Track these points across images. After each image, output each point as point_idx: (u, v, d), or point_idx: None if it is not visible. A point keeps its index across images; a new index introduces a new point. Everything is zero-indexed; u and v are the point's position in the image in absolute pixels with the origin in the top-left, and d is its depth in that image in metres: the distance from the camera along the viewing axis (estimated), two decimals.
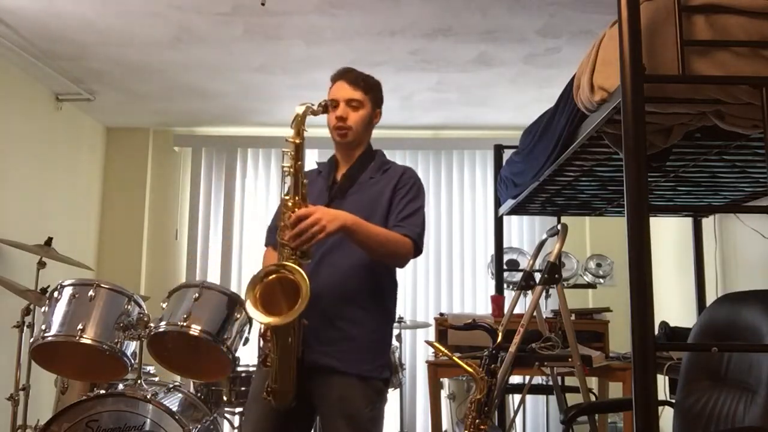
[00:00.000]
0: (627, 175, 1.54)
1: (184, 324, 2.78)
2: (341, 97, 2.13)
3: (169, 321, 2.84)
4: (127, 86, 4.26)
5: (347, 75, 2.16)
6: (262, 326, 1.90)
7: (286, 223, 1.86)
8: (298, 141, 1.93)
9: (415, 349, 4.93)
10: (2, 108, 3.84)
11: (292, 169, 1.92)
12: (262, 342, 1.95)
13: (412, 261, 5.19)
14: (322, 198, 2.09)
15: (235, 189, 5.11)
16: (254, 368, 3.09)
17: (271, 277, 1.83)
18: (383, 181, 2.13)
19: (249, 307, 1.78)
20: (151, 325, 2.90)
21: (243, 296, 1.86)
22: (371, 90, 2.18)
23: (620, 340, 2.99)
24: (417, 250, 2.07)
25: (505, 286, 4.11)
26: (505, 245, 4.17)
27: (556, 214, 3.89)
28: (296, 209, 1.87)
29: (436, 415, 3.32)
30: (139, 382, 2.92)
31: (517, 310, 3.07)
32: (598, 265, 4.23)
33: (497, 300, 3.74)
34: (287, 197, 1.92)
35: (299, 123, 1.94)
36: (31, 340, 2.94)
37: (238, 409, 3.32)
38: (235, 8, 3.15)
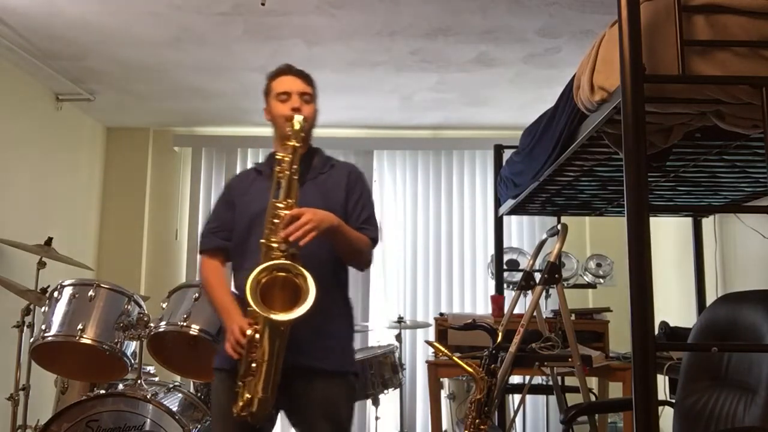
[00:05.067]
0: (627, 175, 1.54)
1: (184, 324, 2.79)
2: (295, 90, 2.13)
3: (169, 321, 2.85)
4: (127, 86, 4.26)
5: (294, 70, 2.19)
6: (249, 331, 1.87)
7: (277, 225, 1.90)
8: (298, 144, 1.99)
9: (415, 349, 4.93)
10: (2, 108, 3.84)
11: (287, 173, 1.96)
12: (243, 351, 1.89)
13: (411, 261, 5.20)
14: (267, 198, 2.04)
15: None
16: None
17: (276, 274, 1.85)
18: (333, 176, 2.18)
19: (253, 303, 1.79)
20: (151, 325, 2.90)
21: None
22: (315, 87, 2.22)
23: (620, 340, 2.99)
24: (374, 246, 2.18)
25: (505, 286, 4.11)
26: (505, 245, 4.17)
27: (556, 214, 3.89)
28: (287, 212, 1.91)
29: (436, 415, 3.32)
30: (139, 382, 2.92)
31: (517, 310, 3.07)
32: (598, 265, 4.23)
33: (497, 300, 3.74)
34: (276, 200, 1.95)
35: (298, 132, 2.00)
36: (31, 340, 2.94)
37: None
38: (235, 8, 3.15)
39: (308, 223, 1.87)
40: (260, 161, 2.31)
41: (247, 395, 1.86)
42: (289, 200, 1.94)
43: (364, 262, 2.16)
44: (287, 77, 2.17)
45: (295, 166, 1.97)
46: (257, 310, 1.79)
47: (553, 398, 4.18)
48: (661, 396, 1.62)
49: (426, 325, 4.50)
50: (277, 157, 2.01)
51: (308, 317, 1.83)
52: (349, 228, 2.04)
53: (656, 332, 3.07)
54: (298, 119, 2.02)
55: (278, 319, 1.79)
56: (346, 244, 2.04)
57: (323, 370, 2.01)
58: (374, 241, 2.15)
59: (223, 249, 2.18)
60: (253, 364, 1.86)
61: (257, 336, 1.85)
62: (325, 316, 1.98)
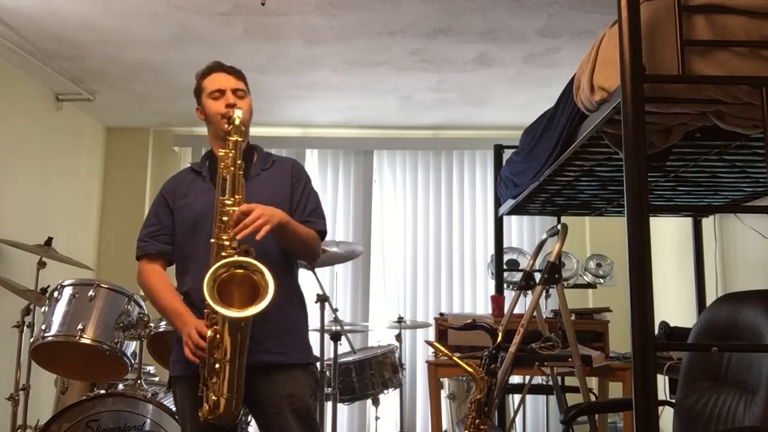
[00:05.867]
0: (627, 175, 1.54)
1: None
2: (228, 86, 2.10)
3: None
4: (127, 86, 4.26)
5: (225, 67, 2.16)
6: (210, 333, 1.83)
7: (227, 222, 1.88)
8: (240, 139, 1.96)
9: (415, 349, 4.92)
10: (2, 108, 3.84)
11: (232, 168, 1.93)
12: (204, 354, 1.85)
13: (411, 261, 5.19)
14: (210, 198, 2.03)
15: None
16: None
17: (233, 272, 1.81)
18: (277, 172, 2.15)
19: (211, 301, 1.75)
20: (151, 325, 2.90)
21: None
22: (247, 82, 2.19)
23: (620, 340, 2.99)
24: (323, 240, 2.17)
25: (505, 286, 4.11)
26: (505, 245, 4.17)
27: (556, 214, 3.89)
28: (235, 208, 1.89)
29: (436, 415, 3.32)
30: (139, 382, 2.92)
31: (517, 310, 3.07)
32: (598, 265, 4.23)
33: (497, 300, 3.74)
34: (224, 197, 1.92)
35: (239, 127, 1.97)
36: (31, 340, 2.94)
37: None
38: (235, 8, 3.15)
39: (260, 218, 1.85)
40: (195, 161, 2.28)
41: (213, 397, 1.83)
42: (237, 196, 1.92)
43: (312, 256, 2.14)
44: (218, 74, 2.14)
45: (239, 162, 1.94)
46: (215, 308, 1.75)
47: (553, 398, 4.18)
48: (661, 396, 1.62)
49: (426, 325, 4.50)
50: (220, 153, 1.97)
51: (264, 314, 1.80)
52: (296, 222, 2.03)
53: (656, 332, 3.07)
54: (237, 114, 1.98)
55: (237, 316, 1.75)
56: (295, 238, 2.02)
57: (284, 364, 2.00)
58: (321, 233, 2.13)
59: (165, 253, 2.13)
60: (216, 365, 1.82)
61: (217, 336, 1.82)
62: (279, 312, 1.97)
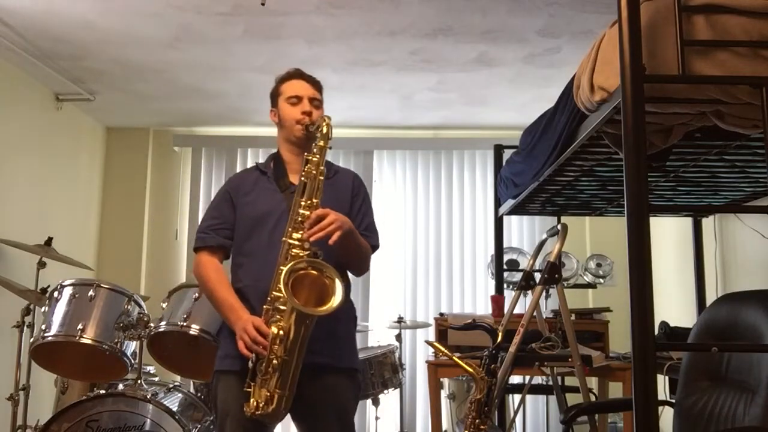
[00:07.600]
0: (627, 175, 1.54)
1: (184, 324, 2.79)
2: (305, 94, 2.18)
3: (169, 321, 2.85)
4: (127, 86, 4.26)
5: (305, 75, 2.24)
6: (274, 329, 1.86)
7: (300, 223, 1.95)
8: (329, 147, 2.05)
9: (415, 349, 4.93)
10: (2, 108, 3.83)
11: (314, 172, 1.99)
12: (260, 349, 1.88)
13: (411, 261, 5.21)
14: (275, 199, 2.11)
15: None
16: None
17: (306, 272, 1.88)
18: (338, 182, 2.20)
19: (287, 295, 1.81)
20: (151, 325, 2.90)
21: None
22: (322, 94, 2.27)
23: (620, 340, 2.99)
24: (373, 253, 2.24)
25: (505, 286, 4.11)
26: (505, 245, 4.17)
27: (556, 214, 3.89)
28: (310, 211, 1.95)
29: (436, 415, 3.32)
30: (139, 382, 2.92)
31: (517, 310, 3.07)
32: (598, 265, 4.23)
33: (497, 300, 3.74)
34: (302, 199, 1.98)
35: (326, 135, 2.05)
36: (31, 340, 2.94)
37: None
38: (235, 8, 3.15)
39: (334, 223, 1.91)
40: (261, 161, 2.32)
41: (266, 393, 1.86)
42: (314, 200, 1.98)
43: (364, 268, 2.19)
44: (298, 81, 2.21)
45: (322, 167, 2.01)
46: (291, 300, 1.80)
47: (553, 398, 4.18)
48: (661, 396, 1.63)
49: (426, 325, 4.49)
50: (307, 157, 2.03)
51: (319, 318, 1.86)
52: (358, 233, 2.08)
53: (656, 332, 3.07)
54: (328, 121, 2.05)
55: (311, 311, 1.82)
56: (355, 248, 2.07)
57: (333, 367, 2.05)
58: (374, 248, 2.19)
59: (225, 247, 2.16)
60: (275, 361, 1.85)
61: (280, 332, 1.85)
62: (332, 316, 1.98)
